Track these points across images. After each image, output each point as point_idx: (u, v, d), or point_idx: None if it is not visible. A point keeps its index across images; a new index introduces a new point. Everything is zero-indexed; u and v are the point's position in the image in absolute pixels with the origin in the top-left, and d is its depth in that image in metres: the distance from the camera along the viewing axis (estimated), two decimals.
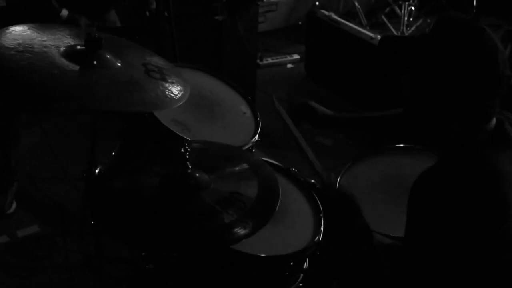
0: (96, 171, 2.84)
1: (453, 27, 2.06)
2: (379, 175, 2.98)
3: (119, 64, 2.62)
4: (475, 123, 2.04)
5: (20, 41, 2.52)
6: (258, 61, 5.39)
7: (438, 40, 2.03)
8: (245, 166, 2.56)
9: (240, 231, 2.21)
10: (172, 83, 2.70)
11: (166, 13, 3.76)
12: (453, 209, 1.96)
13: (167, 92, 2.62)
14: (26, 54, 2.46)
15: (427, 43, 2.04)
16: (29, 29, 2.67)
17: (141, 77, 2.65)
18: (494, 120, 2.08)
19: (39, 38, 2.61)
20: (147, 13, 3.86)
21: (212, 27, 4.41)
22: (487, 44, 2.00)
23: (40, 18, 3.51)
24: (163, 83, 2.68)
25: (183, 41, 3.81)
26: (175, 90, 2.67)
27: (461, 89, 1.98)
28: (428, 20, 6.21)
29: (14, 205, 4.10)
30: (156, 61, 2.84)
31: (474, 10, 6.38)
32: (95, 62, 2.54)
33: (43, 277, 3.54)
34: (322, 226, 2.72)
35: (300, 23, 6.24)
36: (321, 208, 2.82)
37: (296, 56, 5.85)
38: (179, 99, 2.63)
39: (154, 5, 3.92)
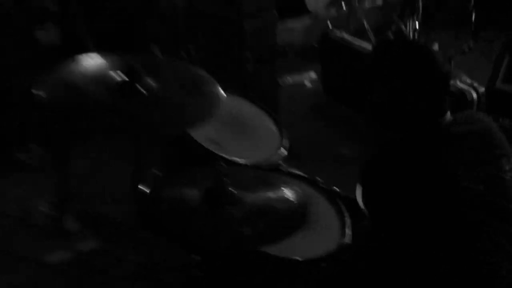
0: (145, 188, 2.87)
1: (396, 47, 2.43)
2: None
3: (157, 86, 2.61)
4: (432, 116, 2.26)
5: (72, 79, 2.57)
6: (280, 81, 5.40)
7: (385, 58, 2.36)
8: (277, 182, 2.57)
9: (272, 238, 2.28)
10: (206, 94, 2.70)
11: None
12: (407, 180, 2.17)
13: (209, 101, 2.65)
14: (76, 90, 2.51)
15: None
16: (77, 65, 2.70)
17: (179, 93, 2.66)
18: (447, 115, 2.28)
19: (84, 74, 2.64)
20: None
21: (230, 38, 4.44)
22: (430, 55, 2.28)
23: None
24: (199, 96, 2.68)
25: (209, 65, 3.74)
26: (216, 95, 2.68)
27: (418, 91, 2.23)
28: (432, 35, 6.19)
29: (76, 224, 4.10)
30: (188, 74, 2.86)
31: (473, 24, 6.39)
32: (136, 89, 2.55)
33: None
34: (347, 229, 2.74)
35: (315, 44, 6.24)
36: (344, 213, 2.83)
37: (312, 75, 5.83)
38: (218, 104, 2.64)
39: None
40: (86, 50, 3.58)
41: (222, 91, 2.70)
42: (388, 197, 2.21)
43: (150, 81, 2.62)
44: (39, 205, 4.18)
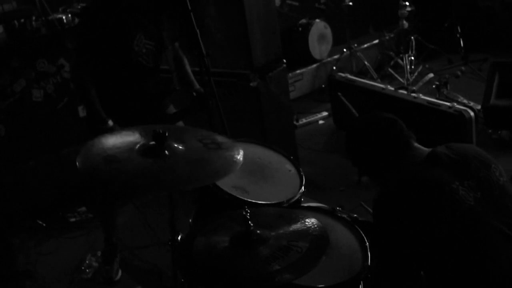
0: (179, 237, 2.86)
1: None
2: None
3: (183, 148, 2.59)
4: (397, 161, 2.42)
5: (105, 151, 2.56)
6: (294, 122, 5.42)
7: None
8: (298, 220, 2.52)
9: (296, 272, 2.23)
10: (227, 149, 2.66)
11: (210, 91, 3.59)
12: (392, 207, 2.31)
13: (228, 157, 2.59)
14: (112, 161, 2.49)
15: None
16: (108, 139, 2.70)
17: (203, 151, 2.61)
18: (423, 150, 2.42)
19: (117, 145, 2.63)
20: (194, 93, 3.77)
21: (250, 99, 4.43)
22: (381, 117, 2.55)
23: (94, 126, 3.58)
24: (221, 151, 2.64)
25: (228, 114, 3.72)
26: (233, 153, 2.62)
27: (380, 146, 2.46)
28: (427, 66, 6.19)
29: (119, 273, 4.10)
30: (208, 135, 2.81)
31: (462, 50, 6.39)
32: (165, 152, 2.53)
33: None
34: (369, 252, 2.68)
35: (323, 86, 6.25)
36: (365, 238, 2.77)
37: (325, 113, 5.83)
38: (239, 160, 2.58)
39: (197, 86, 3.85)
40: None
41: (240, 152, 2.67)
42: (398, 223, 2.27)
43: (176, 144, 2.61)
44: (88, 259, 4.21)
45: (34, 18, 4.83)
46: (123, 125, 3.52)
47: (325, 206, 3.08)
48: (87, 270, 4.12)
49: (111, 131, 3.49)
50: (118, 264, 4.13)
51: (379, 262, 2.55)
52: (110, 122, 3.54)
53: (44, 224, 4.70)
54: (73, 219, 4.76)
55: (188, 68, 3.93)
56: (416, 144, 2.45)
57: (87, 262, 4.18)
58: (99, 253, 4.21)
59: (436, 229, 2.19)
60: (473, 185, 2.24)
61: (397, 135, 2.43)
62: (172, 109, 3.92)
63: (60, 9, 4.95)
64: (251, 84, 3.82)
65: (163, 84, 3.84)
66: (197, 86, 3.86)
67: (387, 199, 2.35)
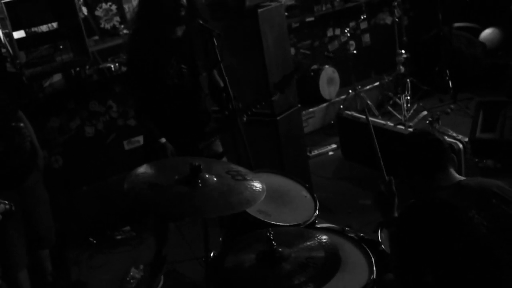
0: (211, 254, 2.85)
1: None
2: None
3: (215, 179, 2.56)
4: (430, 180, 2.30)
5: (148, 179, 2.57)
6: (308, 153, 5.40)
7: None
8: (314, 239, 2.52)
9: (314, 284, 2.22)
10: (252, 180, 2.64)
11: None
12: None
13: (253, 188, 2.57)
14: (154, 187, 2.50)
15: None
16: (150, 168, 2.70)
17: (231, 182, 2.59)
18: (454, 178, 2.30)
19: (159, 174, 2.64)
20: (226, 112, 3.57)
21: (270, 133, 4.44)
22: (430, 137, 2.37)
23: (151, 146, 3.59)
24: (246, 182, 2.62)
25: (251, 146, 3.61)
26: (257, 184, 2.61)
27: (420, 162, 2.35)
28: (421, 104, 6.17)
29: (161, 282, 4.08)
30: (234, 167, 2.79)
31: (451, 90, 6.37)
32: (199, 182, 2.51)
33: None
34: (374, 267, 2.67)
35: (332, 122, 6.25)
36: (371, 255, 2.76)
37: (334, 146, 5.81)
38: (262, 189, 2.57)
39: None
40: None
41: (258, 182, 2.66)
42: (419, 238, 2.19)
43: (208, 175, 2.59)
44: (132, 271, 4.19)
45: (87, 67, 4.88)
46: (173, 144, 3.53)
47: (336, 226, 3.08)
48: (131, 281, 4.11)
49: (164, 148, 3.50)
50: (162, 276, 4.10)
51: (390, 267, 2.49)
52: (163, 139, 3.51)
53: (94, 241, 4.72)
54: (119, 237, 4.76)
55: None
56: (452, 170, 2.33)
57: (131, 274, 4.16)
58: (141, 267, 4.20)
59: (447, 250, 2.12)
60: (487, 217, 2.14)
61: (436, 157, 2.31)
62: (219, 146, 3.85)
63: (109, 59, 5.00)
64: (273, 98, 3.73)
65: (204, 103, 3.75)
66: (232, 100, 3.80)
67: (406, 216, 2.28)
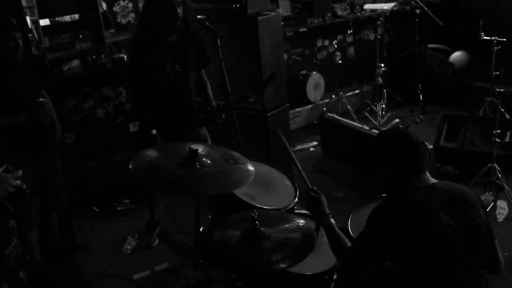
0: (201, 229, 2.86)
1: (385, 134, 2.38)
2: None
3: (209, 162, 2.59)
4: (410, 179, 2.18)
5: (149, 162, 2.60)
6: (292, 148, 5.41)
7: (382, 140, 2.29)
8: (292, 222, 2.53)
9: (290, 261, 2.24)
10: (243, 164, 2.66)
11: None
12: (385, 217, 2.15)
13: (243, 171, 2.60)
14: (156, 168, 2.53)
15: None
16: (154, 151, 2.72)
17: (225, 165, 2.61)
18: (429, 180, 2.19)
19: (161, 157, 2.66)
20: (208, 108, 3.77)
21: (260, 128, 4.45)
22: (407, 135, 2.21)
23: (143, 135, 3.64)
24: (238, 165, 2.64)
25: (243, 138, 3.67)
26: (248, 167, 2.64)
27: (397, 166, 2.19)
28: (394, 113, 6.20)
29: (156, 241, 4.15)
30: (228, 152, 2.81)
31: (422, 102, 6.40)
32: (197, 165, 2.54)
33: None
34: None
35: (315, 122, 6.26)
36: None
37: (315, 143, 5.80)
38: (252, 173, 2.58)
39: (212, 103, 3.85)
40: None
41: (250, 165, 2.66)
42: (389, 231, 2.13)
43: (206, 160, 2.62)
44: (128, 239, 4.21)
45: (103, 56, 4.85)
46: (163, 133, 3.58)
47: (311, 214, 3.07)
48: (128, 247, 4.13)
49: (154, 138, 3.56)
50: (157, 235, 4.18)
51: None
52: (154, 131, 3.58)
53: (97, 210, 4.70)
54: (119, 208, 4.75)
55: (209, 89, 3.92)
56: (427, 172, 2.20)
57: (128, 241, 4.18)
58: (136, 235, 4.23)
59: (416, 243, 2.06)
60: (454, 218, 2.08)
61: (416, 160, 2.16)
62: (205, 132, 3.92)
63: (122, 51, 4.97)
64: (250, 99, 3.81)
65: (193, 97, 3.82)
66: (212, 103, 3.86)
67: (384, 210, 2.18)
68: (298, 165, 2.81)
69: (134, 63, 3.63)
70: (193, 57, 3.72)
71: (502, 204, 4.25)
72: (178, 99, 3.71)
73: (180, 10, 3.51)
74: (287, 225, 2.47)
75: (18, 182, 2.30)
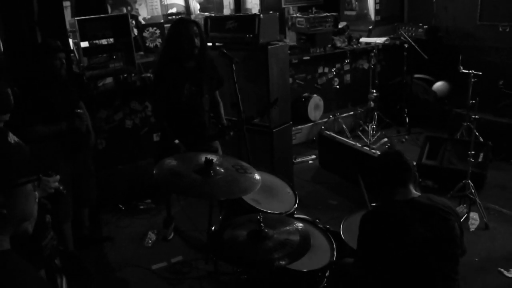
0: (213, 228, 2.87)
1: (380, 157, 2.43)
2: None
3: (222, 170, 2.61)
4: (393, 192, 2.21)
5: (170, 168, 2.62)
6: (293, 160, 5.41)
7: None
8: (292, 225, 2.54)
9: (289, 259, 2.25)
10: (251, 173, 2.68)
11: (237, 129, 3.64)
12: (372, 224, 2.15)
13: (251, 179, 2.61)
14: (175, 174, 2.55)
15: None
16: (174, 160, 2.75)
17: (235, 174, 2.63)
18: (411, 194, 2.19)
19: (180, 164, 2.68)
20: (220, 126, 3.81)
21: (266, 141, 4.43)
22: (399, 158, 2.27)
23: (166, 145, 3.66)
24: (247, 174, 2.66)
25: (251, 150, 3.68)
26: (255, 176, 2.65)
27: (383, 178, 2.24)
28: (383, 133, 6.20)
29: (172, 234, 4.17)
30: (238, 163, 2.83)
31: (407, 124, 6.41)
32: (211, 173, 2.57)
33: (185, 284, 3.52)
34: (335, 252, 2.72)
35: (314, 138, 6.26)
36: (333, 242, 2.79)
37: (313, 156, 5.80)
38: (258, 181, 2.60)
39: (223, 121, 3.89)
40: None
41: (257, 174, 2.67)
42: (372, 238, 2.15)
43: (219, 168, 2.64)
44: (149, 234, 4.22)
45: (133, 74, 4.90)
46: (184, 142, 3.63)
47: (309, 218, 3.09)
48: (149, 241, 4.13)
49: (178, 147, 3.59)
50: (172, 230, 4.20)
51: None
52: (177, 141, 3.63)
53: (123, 208, 4.72)
54: (141, 207, 4.76)
55: (221, 109, 3.95)
56: (411, 186, 2.21)
57: (148, 236, 4.19)
58: (155, 231, 4.23)
59: (393, 250, 2.07)
60: (429, 228, 2.07)
61: (397, 174, 2.19)
62: (217, 145, 3.95)
63: (150, 71, 5.02)
64: (255, 120, 3.82)
65: (206, 115, 3.84)
66: (223, 121, 3.90)
67: (368, 219, 2.20)
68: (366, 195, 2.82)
69: (158, 81, 3.69)
70: (208, 81, 3.77)
71: (474, 215, 4.25)
72: (193, 117, 3.76)
73: (197, 41, 3.58)
74: (287, 228, 2.48)
75: (57, 184, 2.33)
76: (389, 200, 2.21)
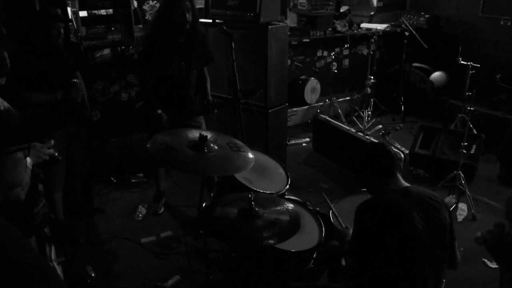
0: (204, 204, 2.89)
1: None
2: (354, 205, 2.96)
3: (216, 147, 2.61)
4: (382, 182, 2.22)
5: (164, 142, 2.60)
6: (287, 142, 5.42)
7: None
8: (283, 206, 2.55)
9: (278, 239, 2.27)
10: (244, 152, 2.68)
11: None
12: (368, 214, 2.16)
13: (245, 158, 2.61)
14: (170, 149, 2.54)
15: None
16: (165, 136, 2.72)
17: (229, 152, 2.62)
18: (402, 184, 2.22)
19: (175, 139, 2.66)
20: (205, 102, 3.76)
21: (262, 122, 4.43)
22: (383, 149, 2.26)
23: (148, 114, 3.67)
24: (241, 153, 2.65)
25: (246, 129, 3.72)
26: (248, 155, 2.65)
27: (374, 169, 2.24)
28: (378, 119, 6.21)
29: (162, 209, 4.20)
30: (232, 140, 2.82)
31: (402, 113, 6.42)
32: (205, 149, 2.56)
33: (173, 259, 3.55)
34: (323, 234, 2.74)
35: (309, 121, 6.27)
36: (322, 224, 2.81)
37: (307, 139, 5.83)
38: (251, 160, 2.60)
39: (209, 97, 3.83)
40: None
41: (251, 153, 2.67)
42: (370, 227, 2.15)
43: (213, 145, 2.63)
44: (139, 207, 4.24)
45: (131, 47, 4.86)
46: (166, 113, 3.63)
47: (300, 199, 3.10)
48: (139, 215, 4.16)
49: (160, 116, 3.60)
50: (163, 204, 4.23)
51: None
52: (159, 111, 3.63)
53: (114, 180, 4.73)
54: (133, 180, 4.78)
55: (208, 85, 3.91)
56: (398, 175, 2.24)
57: (139, 209, 4.21)
58: (146, 205, 4.25)
59: (391, 239, 2.08)
60: (423, 218, 2.11)
61: (386, 165, 2.22)
62: (201, 120, 3.93)
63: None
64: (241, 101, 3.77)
65: (192, 91, 3.83)
66: (208, 97, 3.86)
67: (365, 208, 2.20)
68: (331, 206, 2.82)
69: (144, 54, 3.66)
70: (197, 57, 3.73)
71: (462, 206, 4.30)
72: (180, 91, 3.74)
73: (189, 16, 3.52)
74: (278, 208, 2.49)
75: (52, 150, 2.31)
76: (383, 190, 2.22)
